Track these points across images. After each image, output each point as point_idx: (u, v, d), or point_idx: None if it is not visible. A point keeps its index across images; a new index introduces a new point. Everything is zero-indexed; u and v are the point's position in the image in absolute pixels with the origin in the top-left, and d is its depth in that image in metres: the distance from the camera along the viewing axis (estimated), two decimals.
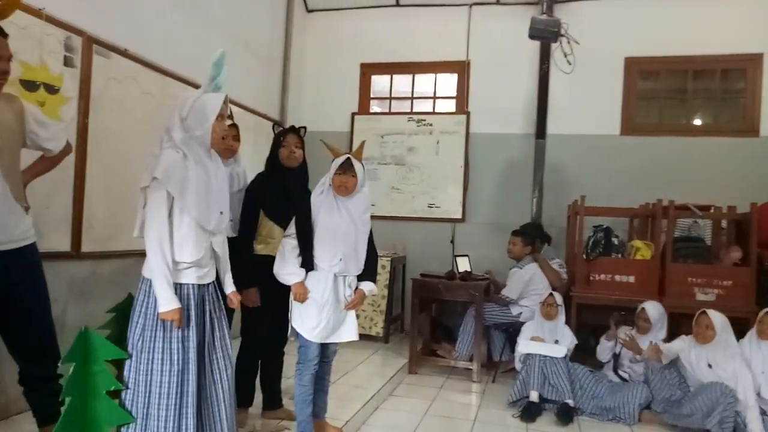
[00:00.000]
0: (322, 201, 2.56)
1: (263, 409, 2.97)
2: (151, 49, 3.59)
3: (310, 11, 5.95)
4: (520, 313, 4.29)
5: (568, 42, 4.82)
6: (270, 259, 2.67)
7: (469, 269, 4.60)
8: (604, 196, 4.73)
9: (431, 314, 4.87)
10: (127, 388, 2.01)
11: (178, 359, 2.01)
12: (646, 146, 5.09)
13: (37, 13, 2.77)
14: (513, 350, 4.05)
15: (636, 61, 5.19)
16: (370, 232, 2.67)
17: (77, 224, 3.08)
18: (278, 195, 2.77)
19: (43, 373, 2.31)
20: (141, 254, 2.05)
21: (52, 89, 2.88)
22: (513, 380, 3.80)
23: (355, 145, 5.37)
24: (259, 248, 2.77)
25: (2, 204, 2.12)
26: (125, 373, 2.02)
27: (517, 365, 3.85)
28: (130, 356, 2.02)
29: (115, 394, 2.02)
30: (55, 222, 2.95)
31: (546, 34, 4.66)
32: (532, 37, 4.69)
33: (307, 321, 2.53)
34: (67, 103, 2.98)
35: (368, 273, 2.65)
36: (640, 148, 5.10)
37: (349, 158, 2.54)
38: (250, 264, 2.71)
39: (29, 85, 2.75)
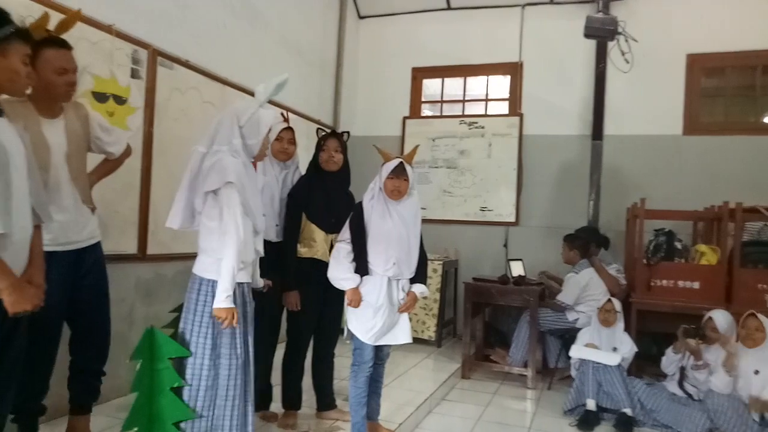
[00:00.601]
0: (373, 206, 2.58)
1: (317, 410, 3.02)
2: (212, 60, 3.74)
3: (362, 17, 6.02)
4: (577, 319, 4.19)
5: (626, 40, 4.66)
6: (313, 263, 2.72)
7: (522, 273, 4.53)
8: (666, 199, 4.56)
9: (484, 319, 4.82)
10: (190, 385, 2.07)
11: (241, 353, 2.10)
12: (710, 146, 4.86)
13: (107, 29, 2.94)
14: (569, 357, 3.95)
15: (699, 58, 4.97)
16: (420, 235, 2.68)
17: (143, 228, 3.24)
18: (319, 198, 2.81)
19: (90, 366, 2.42)
20: None
21: (120, 100, 3.05)
22: (569, 388, 3.71)
23: (407, 149, 5.45)
24: (303, 251, 2.80)
25: (72, 207, 2.25)
26: (188, 371, 2.08)
27: (573, 372, 3.75)
28: (194, 354, 2.08)
29: (177, 390, 2.08)
30: (123, 225, 3.11)
31: (602, 33, 4.53)
32: (587, 36, 4.56)
33: (363, 323, 2.56)
34: (133, 113, 3.14)
35: (419, 276, 2.66)
36: (704, 148, 4.87)
37: (402, 162, 2.56)
38: (294, 267, 2.75)
39: (100, 97, 2.92)
